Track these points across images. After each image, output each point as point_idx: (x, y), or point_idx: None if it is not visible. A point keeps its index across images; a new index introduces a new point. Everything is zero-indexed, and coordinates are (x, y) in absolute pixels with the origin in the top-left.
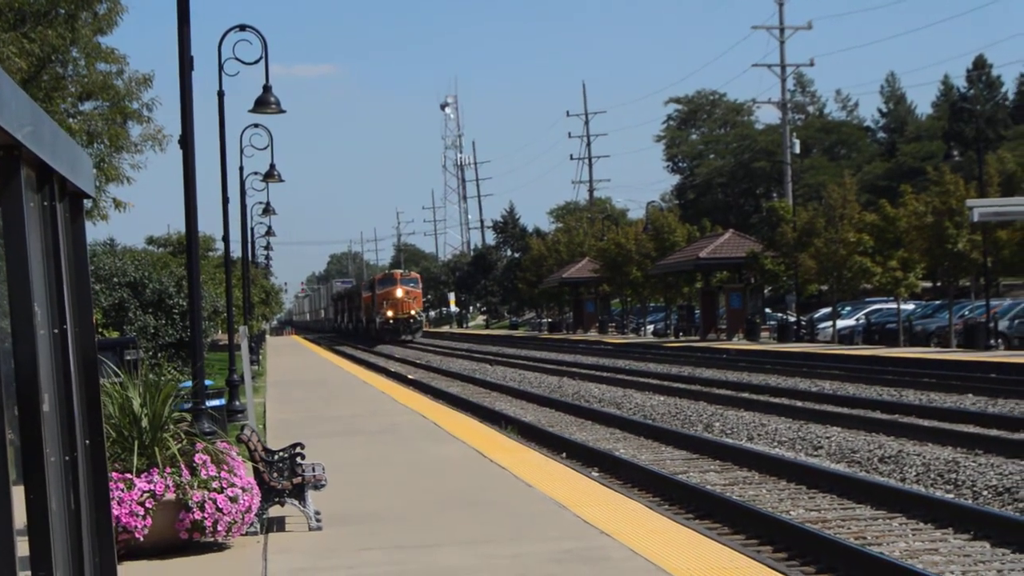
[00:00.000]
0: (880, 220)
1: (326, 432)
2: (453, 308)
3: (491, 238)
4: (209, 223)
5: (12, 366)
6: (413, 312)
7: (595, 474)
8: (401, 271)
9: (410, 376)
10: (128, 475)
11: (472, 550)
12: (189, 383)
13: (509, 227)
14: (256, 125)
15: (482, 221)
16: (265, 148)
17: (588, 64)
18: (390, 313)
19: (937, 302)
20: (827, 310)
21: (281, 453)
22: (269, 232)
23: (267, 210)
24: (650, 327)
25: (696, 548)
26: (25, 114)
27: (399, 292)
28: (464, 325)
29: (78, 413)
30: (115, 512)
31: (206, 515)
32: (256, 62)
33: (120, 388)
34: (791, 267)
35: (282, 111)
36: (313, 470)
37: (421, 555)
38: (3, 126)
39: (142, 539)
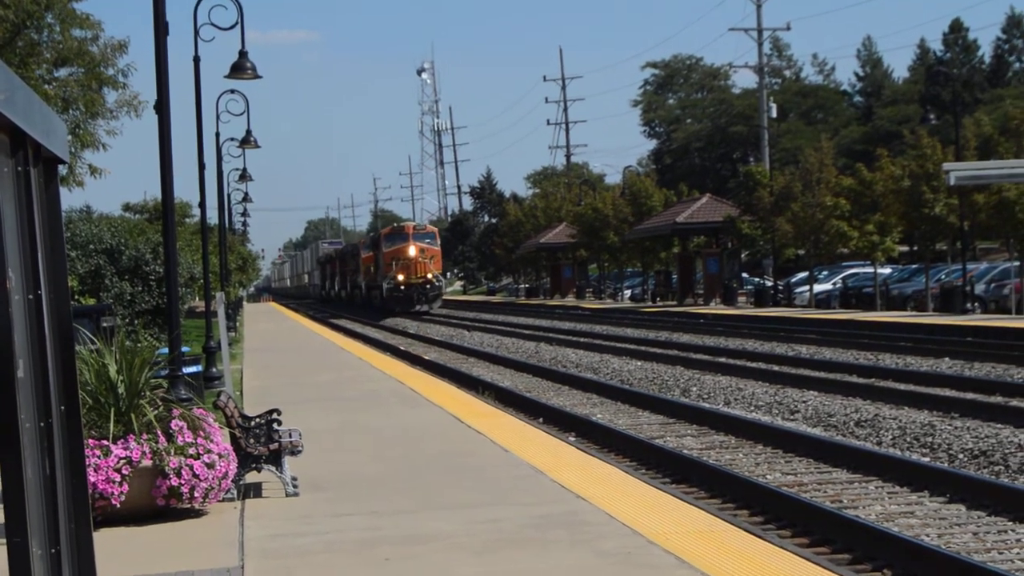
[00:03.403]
0: (857, 184)
1: (303, 398)
2: None
3: (468, 204)
4: (185, 189)
5: None
6: (430, 275)
7: (572, 439)
8: (415, 223)
9: (426, 356)
10: (104, 442)
11: (450, 515)
12: (166, 350)
13: (486, 193)
14: (232, 91)
15: (459, 187)
16: (241, 114)
17: (565, 29)
18: (401, 277)
19: (913, 266)
20: (804, 274)
21: (258, 419)
22: (246, 198)
23: (244, 176)
24: (627, 292)
25: (673, 512)
26: None
27: (412, 250)
28: None
29: (53, 379)
30: (91, 479)
31: (183, 481)
32: (232, 27)
33: (96, 355)
34: (768, 231)
35: (258, 77)
36: (290, 436)
37: (398, 520)
38: None
39: (119, 505)
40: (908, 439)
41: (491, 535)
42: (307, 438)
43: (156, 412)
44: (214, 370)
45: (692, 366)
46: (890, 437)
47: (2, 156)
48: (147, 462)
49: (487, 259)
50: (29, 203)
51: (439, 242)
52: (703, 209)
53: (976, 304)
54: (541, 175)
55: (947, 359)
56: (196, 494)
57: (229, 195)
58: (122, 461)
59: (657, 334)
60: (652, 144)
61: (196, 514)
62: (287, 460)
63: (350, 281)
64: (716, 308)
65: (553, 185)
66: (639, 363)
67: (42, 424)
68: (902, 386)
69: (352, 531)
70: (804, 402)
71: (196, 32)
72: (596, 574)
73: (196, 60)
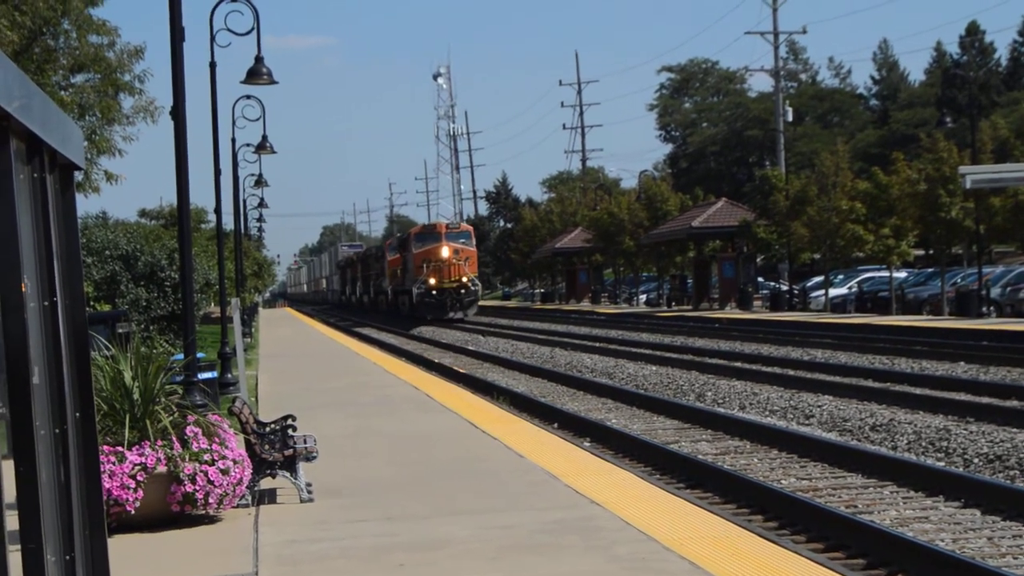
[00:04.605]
0: (873, 188)
1: (318, 404)
2: None
3: (484, 208)
4: (201, 195)
5: (1, 338)
6: (465, 279)
7: (587, 444)
8: (447, 222)
9: (441, 361)
10: (119, 448)
11: (464, 521)
12: (181, 356)
13: (502, 197)
14: (248, 96)
15: (475, 191)
16: (257, 119)
17: (581, 33)
18: (432, 281)
19: (929, 270)
20: (819, 279)
21: (273, 425)
22: (261, 204)
23: (259, 182)
24: (643, 297)
25: (687, 517)
26: (15, 86)
27: (445, 251)
28: None
29: (68, 385)
30: (106, 485)
31: (197, 487)
32: (248, 33)
33: (112, 361)
34: (784, 236)
35: (274, 82)
36: (304, 442)
37: (413, 526)
38: None
39: (133, 512)
40: (923, 443)
41: (505, 541)
42: (322, 444)
43: (171, 418)
44: (229, 376)
45: (707, 371)
46: (905, 442)
47: (18, 163)
48: (162, 468)
49: (502, 264)
50: (45, 209)
51: (474, 242)
52: (719, 213)
53: (992, 308)
54: (557, 179)
55: (962, 363)
56: (211, 500)
57: (245, 200)
58: (137, 467)
59: (672, 339)
60: (668, 148)
61: (211, 520)
62: (302, 466)
63: (374, 286)
64: (731, 312)
65: (569, 190)
66: (654, 368)
67: (57, 430)
68: (917, 390)
69: (367, 537)
70: (819, 407)
71: (212, 38)
72: None
73: (212, 66)
